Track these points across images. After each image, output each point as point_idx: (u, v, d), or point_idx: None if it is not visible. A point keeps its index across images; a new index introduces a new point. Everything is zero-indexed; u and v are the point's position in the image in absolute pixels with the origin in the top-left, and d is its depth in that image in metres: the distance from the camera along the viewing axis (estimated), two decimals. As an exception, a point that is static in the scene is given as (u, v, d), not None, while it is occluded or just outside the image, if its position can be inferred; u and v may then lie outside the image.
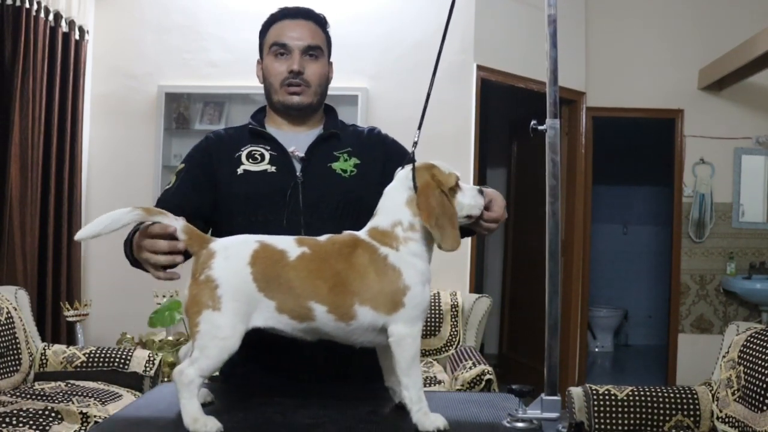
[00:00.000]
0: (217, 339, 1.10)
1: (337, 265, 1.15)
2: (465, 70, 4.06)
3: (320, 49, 1.56)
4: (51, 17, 3.80)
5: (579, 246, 4.85)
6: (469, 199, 1.24)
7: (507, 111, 5.96)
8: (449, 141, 3.96)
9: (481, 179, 4.55)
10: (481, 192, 1.27)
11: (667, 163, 5.21)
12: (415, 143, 1.30)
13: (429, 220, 1.16)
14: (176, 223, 1.18)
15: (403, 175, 1.24)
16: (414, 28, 4.10)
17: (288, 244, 1.17)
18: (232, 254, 1.14)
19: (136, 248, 1.24)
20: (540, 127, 1.19)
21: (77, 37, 3.99)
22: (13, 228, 3.53)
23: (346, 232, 1.22)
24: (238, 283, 1.12)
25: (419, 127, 1.34)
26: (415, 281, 1.16)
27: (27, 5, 3.61)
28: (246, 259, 1.14)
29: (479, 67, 4.10)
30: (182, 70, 4.21)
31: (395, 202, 1.22)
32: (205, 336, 1.10)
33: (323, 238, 1.21)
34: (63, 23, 3.89)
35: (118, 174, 4.22)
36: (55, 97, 3.83)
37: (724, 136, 4.88)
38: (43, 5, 3.72)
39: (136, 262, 1.32)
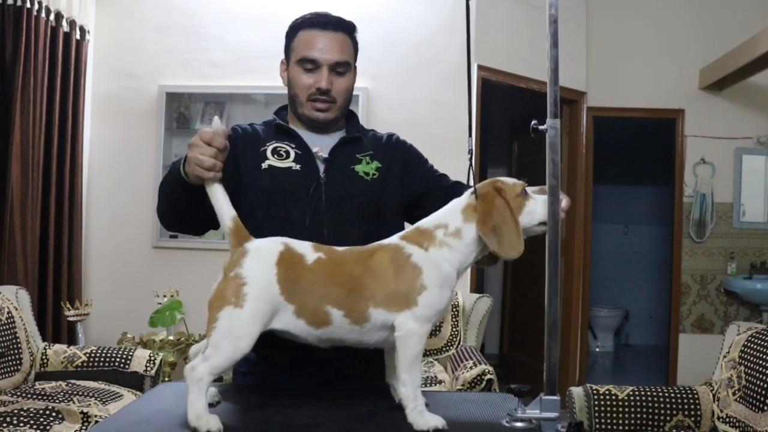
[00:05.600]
0: (232, 337, 1.11)
1: (354, 270, 1.17)
2: (465, 70, 4.05)
3: (348, 64, 1.55)
4: (52, 17, 3.81)
5: (579, 246, 4.85)
6: (542, 207, 1.23)
7: (507, 111, 5.96)
8: (449, 141, 3.96)
9: (482, 179, 4.55)
10: None
11: (667, 163, 5.21)
12: (470, 151, 1.30)
13: (484, 228, 1.18)
14: (228, 212, 1.21)
15: (470, 189, 1.25)
16: (415, 29, 4.10)
17: (306, 249, 1.19)
18: (263, 254, 1.16)
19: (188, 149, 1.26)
20: (541, 127, 1.19)
21: (78, 37, 4.00)
22: (14, 228, 3.53)
23: (372, 243, 1.24)
24: (264, 284, 1.13)
25: (470, 135, 1.35)
26: (434, 283, 1.16)
27: (28, 5, 3.61)
28: (273, 259, 1.15)
29: (479, 67, 4.10)
30: (183, 70, 4.21)
31: (453, 207, 1.25)
32: (221, 333, 1.11)
33: (342, 248, 1.23)
34: (64, 23, 3.89)
35: (119, 174, 4.22)
36: (56, 97, 3.84)
37: (725, 136, 4.87)
38: (44, 5, 3.72)
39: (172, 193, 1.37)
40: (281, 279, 1.14)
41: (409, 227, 1.27)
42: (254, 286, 1.12)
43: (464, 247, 1.21)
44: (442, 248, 1.19)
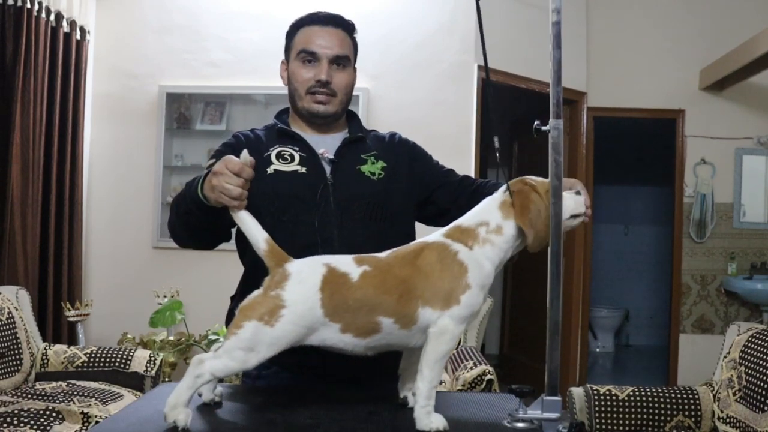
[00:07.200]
0: (247, 350, 1.10)
1: (402, 273, 1.16)
2: (465, 70, 4.06)
3: (348, 59, 1.56)
4: (52, 17, 3.80)
5: (580, 246, 4.85)
6: (570, 201, 1.25)
7: (508, 111, 5.96)
8: (450, 141, 3.96)
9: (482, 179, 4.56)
10: (578, 193, 1.29)
11: (668, 163, 5.21)
12: (497, 149, 1.30)
13: (523, 219, 1.20)
14: (261, 236, 1.21)
15: (503, 187, 1.27)
16: (415, 29, 4.10)
17: (348, 265, 1.18)
18: (305, 278, 1.15)
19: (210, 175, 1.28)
20: (544, 128, 1.19)
21: (78, 37, 4.00)
22: (15, 228, 3.53)
23: (414, 242, 1.24)
24: (305, 309, 1.13)
25: (495, 135, 1.35)
26: (477, 282, 1.17)
27: (28, 5, 3.61)
28: (317, 284, 1.14)
29: (480, 67, 4.10)
30: (183, 71, 4.21)
31: (489, 204, 1.26)
32: (239, 342, 1.10)
33: (385, 253, 1.22)
34: (64, 23, 3.89)
35: (119, 174, 4.22)
36: (56, 97, 3.83)
37: (725, 136, 4.88)
38: (44, 5, 3.72)
39: (187, 213, 1.37)
40: (326, 303, 1.13)
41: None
42: (292, 311, 1.12)
43: (504, 243, 1.22)
44: (484, 246, 1.20)
